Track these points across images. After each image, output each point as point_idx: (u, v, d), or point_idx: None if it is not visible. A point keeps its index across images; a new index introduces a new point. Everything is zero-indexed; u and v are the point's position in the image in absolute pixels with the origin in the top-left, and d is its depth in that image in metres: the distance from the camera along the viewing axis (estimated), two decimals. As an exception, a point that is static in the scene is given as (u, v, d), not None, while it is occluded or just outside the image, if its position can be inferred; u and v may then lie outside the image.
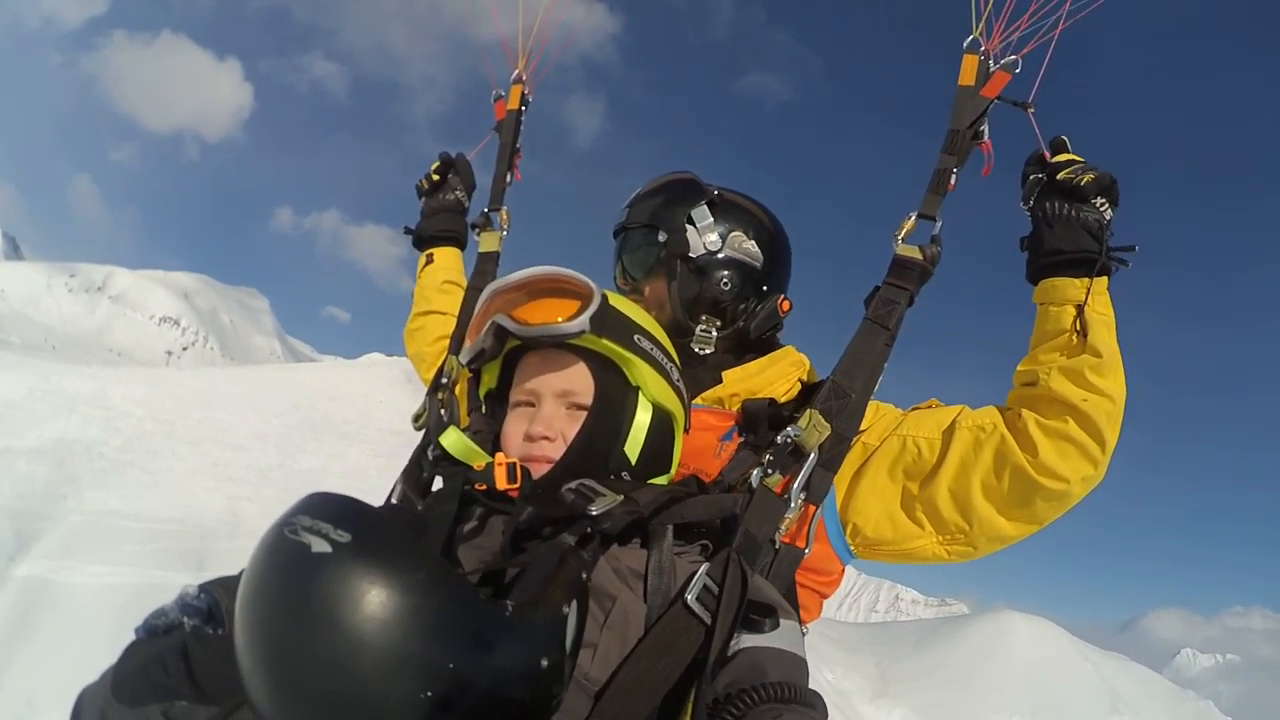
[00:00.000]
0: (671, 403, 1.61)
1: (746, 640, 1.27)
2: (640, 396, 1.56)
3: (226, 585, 1.36)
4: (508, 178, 2.52)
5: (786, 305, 2.16)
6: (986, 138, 1.91)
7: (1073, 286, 1.76)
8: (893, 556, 1.90)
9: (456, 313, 2.35)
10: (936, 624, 20.70)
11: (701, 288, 2.07)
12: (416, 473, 1.79)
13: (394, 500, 1.72)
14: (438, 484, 1.67)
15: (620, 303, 1.59)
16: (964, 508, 1.79)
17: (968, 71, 1.92)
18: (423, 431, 2.06)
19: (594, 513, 1.30)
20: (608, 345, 1.53)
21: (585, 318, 1.48)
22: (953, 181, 1.87)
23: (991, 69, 1.91)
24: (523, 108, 2.58)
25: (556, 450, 1.49)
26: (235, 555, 7.04)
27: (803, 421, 1.69)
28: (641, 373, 1.56)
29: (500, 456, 1.41)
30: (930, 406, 1.94)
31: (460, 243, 2.58)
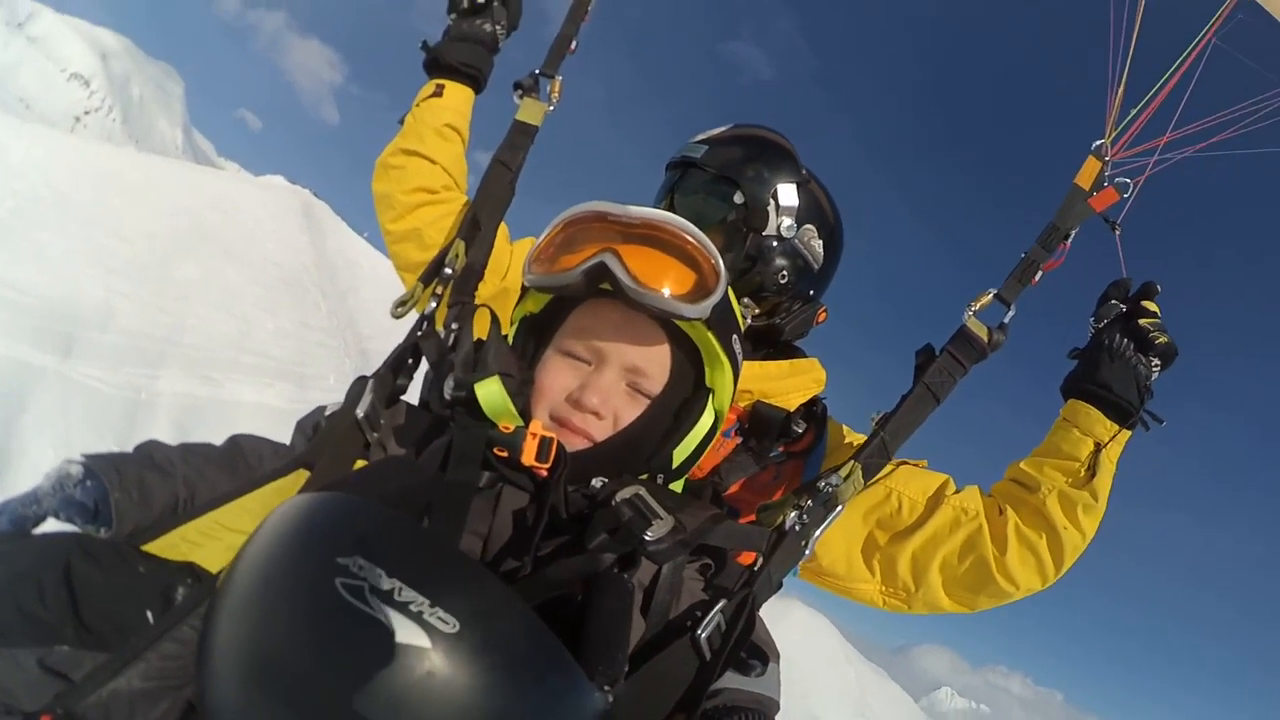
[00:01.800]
0: (726, 411, 1.48)
1: (732, 680, 1.22)
2: (710, 401, 1.43)
3: (119, 469, 1.23)
4: (571, 43, 2.10)
5: (824, 315, 2.12)
6: (1070, 240, 1.87)
7: (1101, 424, 1.79)
8: (831, 588, 1.94)
9: (447, 164, 2.10)
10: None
11: (757, 269, 2.01)
12: (391, 379, 1.52)
13: (361, 413, 1.39)
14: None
15: (732, 294, 1.46)
16: (919, 573, 1.85)
17: (1086, 175, 1.89)
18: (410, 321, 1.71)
19: (649, 538, 1.17)
20: (710, 341, 1.39)
21: (709, 304, 1.33)
22: (1038, 276, 1.81)
23: (1105, 181, 1.88)
24: None
25: (601, 430, 1.34)
26: (104, 350, 7.34)
27: (844, 472, 1.55)
28: (724, 378, 1.43)
29: (536, 425, 1.25)
30: (920, 465, 1.93)
31: (479, 84, 2.21)
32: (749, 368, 1.77)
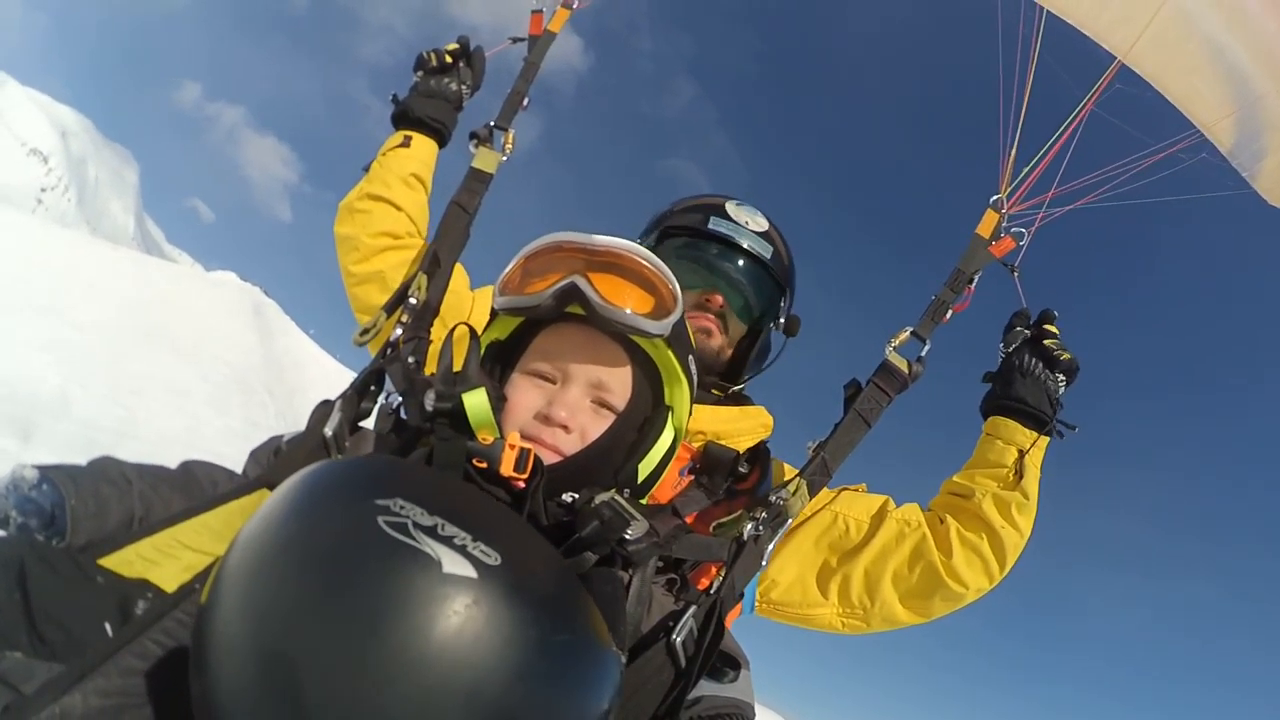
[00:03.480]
0: (684, 431, 1.54)
1: (708, 688, 1.26)
2: (669, 418, 1.47)
3: (75, 479, 1.21)
4: (523, 99, 2.30)
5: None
6: (974, 284, 2.06)
7: (1021, 433, 1.98)
8: (790, 619, 2.00)
9: (411, 211, 2.18)
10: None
11: (755, 356, 2.24)
12: (356, 400, 1.57)
13: (329, 432, 1.45)
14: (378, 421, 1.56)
15: (686, 318, 1.52)
16: (873, 588, 1.94)
17: (986, 225, 2.09)
18: (372, 348, 1.86)
19: (629, 537, 1.23)
20: (670, 358, 1.46)
21: (669, 322, 1.40)
22: (948, 315, 2.01)
23: (1003, 231, 2.09)
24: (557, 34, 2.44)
25: (570, 444, 1.38)
26: (62, 437, 7.37)
27: (792, 488, 1.67)
28: (681, 396, 1.49)
29: (514, 438, 1.27)
30: (859, 490, 2.06)
31: (444, 139, 2.35)
32: (703, 411, 1.90)
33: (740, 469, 1.85)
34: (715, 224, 2.13)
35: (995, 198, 2.10)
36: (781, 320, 2.25)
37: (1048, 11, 2.25)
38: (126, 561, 1.11)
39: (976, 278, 2.06)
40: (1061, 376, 2.01)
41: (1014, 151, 2.09)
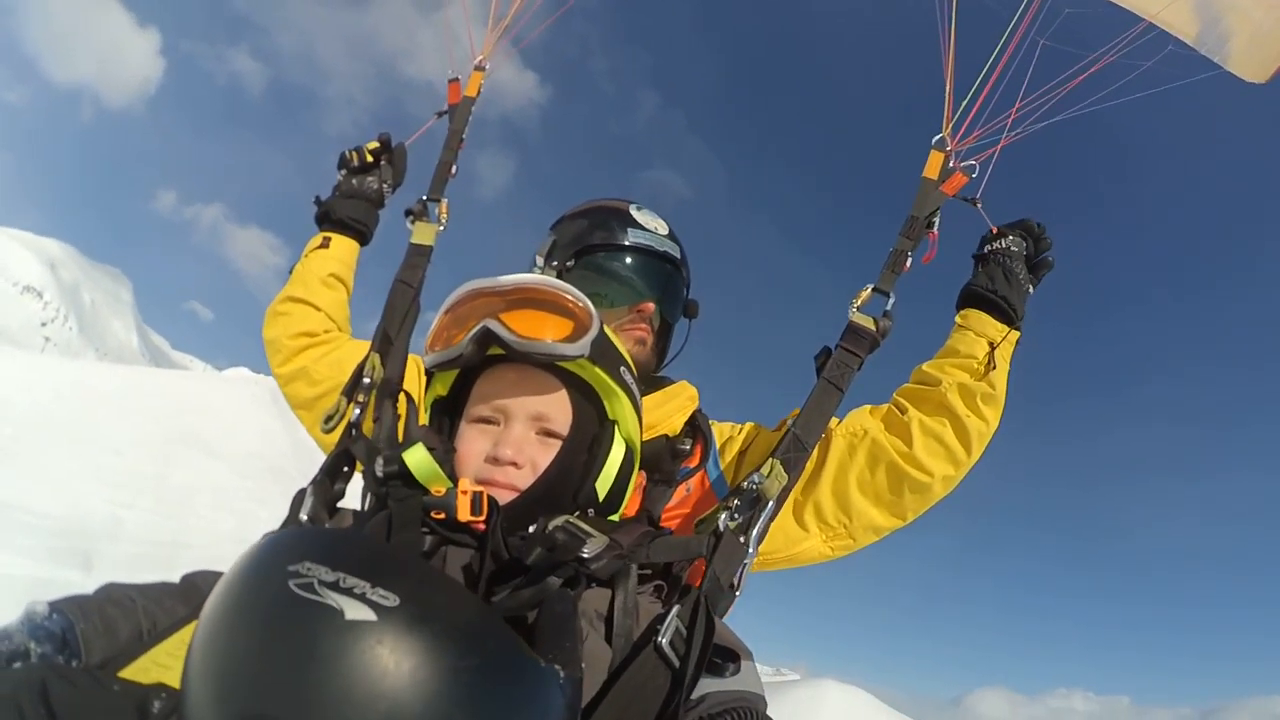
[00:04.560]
0: (637, 441, 1.56)
1: (710, 685, 1.24)
2: (616, 432, 1.49)
3: (82, 606, 1.27)
4: (451, 169, 2.32)
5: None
6: (936, 229, 2.03)
7: (993, 326, 1.99)
8: (780, 563, 1.99)
9: (330, 310, 2.23)
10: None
11: (670, 345, 2.24)
12: (328, 485, 1.62)
13: (305, 516, 1.52)
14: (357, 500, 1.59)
15: (609, 331, 1.52)
16: (844, 503, 1.94)
17: (932, 166, 2.06)
18: (338, 433, 1.86)
19: (586, 555, 1.25)
20: (599, 375, 1.47)
21: (587, 341, 1.42)
22: (908, 263, 1.98)
23: (952, 168, 2.06)
24: (477, 97, 2.44)
25: (523, 479, 1.40)
26: (119, 560, 7.72)
27: (765, 470, 1.65)
28: (622, 408, 1.51)
29: (465, 484, 1.31)
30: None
31: (365, 238, 2.39)
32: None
33: (682, 448, 1.90)
34: (634, 236, 2.14)
35: (938, 137, 2.08)
36: (687, 302, 2.27)
37: None
38: (142, 670, 1.18)
39: (936, 221, 2.04)
40: (1033, 277, 2.05)
41: (949, 83, 2.07)
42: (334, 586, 0.85)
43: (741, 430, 2.05)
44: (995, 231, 2.08)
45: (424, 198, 2.24)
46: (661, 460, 1.85)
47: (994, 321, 1.99)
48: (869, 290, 1.93)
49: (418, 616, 0.86)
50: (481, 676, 0.87)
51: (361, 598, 0.84)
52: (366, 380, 1.84)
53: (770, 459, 1.68)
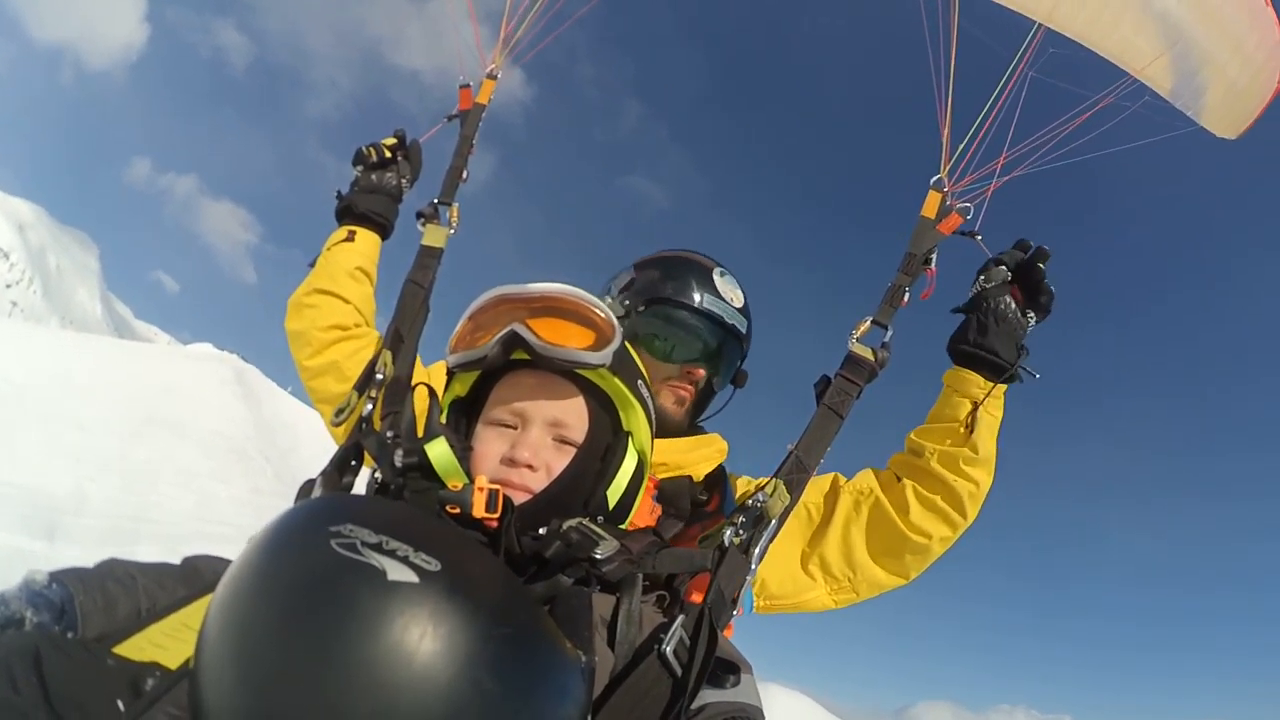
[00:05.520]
0: (649, 454, 1.58)
1: (710, 696, 1.25)
2: (630, 443, 1.52)
3: (83, 578, 1.27)
4: (463, 174, 2.38)
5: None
6: (934, 265, 2.04)
7: (977, 385, 1.98)
8: (788, 609, 2.06)
9: (359, 303, 2.24)
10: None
11: (709, 405, 2.31)
12: (337, 477, 1.64)
13: None
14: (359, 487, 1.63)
15: (629, 345, 1.55)
16: (849, 558, 2.02)
17: (930, 205, 2.08)
18: (346, 426, 1.90)
19: (598, 556, 1.27)
20: (618, 385, 1.50)
21: (609, 351, 1.45)
22: (905, 298, 2.00)
23: (949, 207, 2.08)
24: (488, 104, 2.49)
25: (538, 481, 1.43)
26: (85, 532, 7.99)
27: (769, 489, 1.68)
28: (638, 420, 1.54)
29: (481, 480, 1.32)
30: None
31: (387, 232, 2.41)
32: (659, 444, 1.83)
33: (700, 496, 1.96)
34: (709, 302, 2.18)
35: (936, 178, 2.11)
36: (740, 377, 2.34)
37: None
38: (137, 647, 1.18)
39: (933, 258, 2.06)
40: (1033, 315, 2.02)
41: (947, 129, 2.11)
42: (377, 548, 0.87)
43: (757, 484, 2.09)
44: (985, 267, 2.09)
45: (435, 201, 2.31)
46: (680, 498, 1.94)
47: (977, 379, 2.00)
48: (868, 322, 1.98)
49: (458, 583, 0.88)
50: (512, 646, 0.90)
51: (405, 560, 0.87)
52: (379, 376, 1.89)
53: (773, 479, 1.72)
